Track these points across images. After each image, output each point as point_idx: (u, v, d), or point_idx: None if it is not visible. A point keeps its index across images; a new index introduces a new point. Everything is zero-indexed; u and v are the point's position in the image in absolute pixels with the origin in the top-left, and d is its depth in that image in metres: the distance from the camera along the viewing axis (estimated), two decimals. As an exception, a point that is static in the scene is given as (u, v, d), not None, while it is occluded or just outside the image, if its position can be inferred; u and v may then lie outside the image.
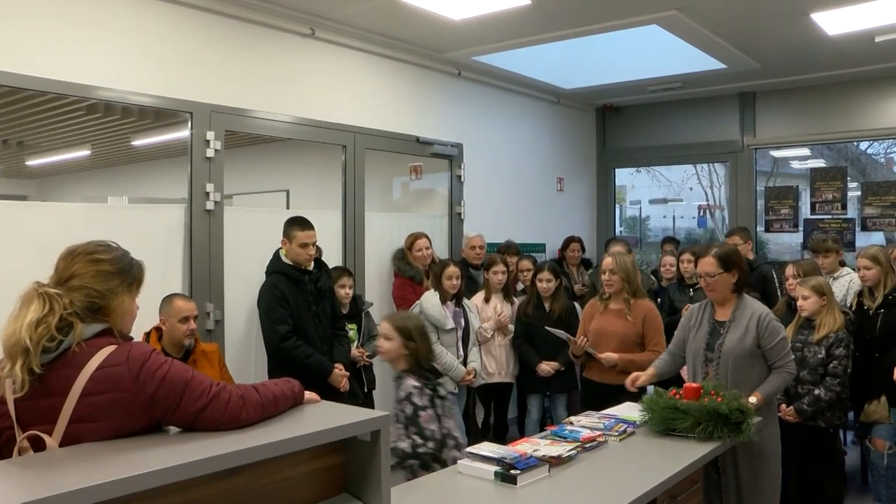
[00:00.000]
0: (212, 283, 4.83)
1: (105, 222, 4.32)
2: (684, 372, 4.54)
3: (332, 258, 5.49)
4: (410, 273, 5.87)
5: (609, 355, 4.68)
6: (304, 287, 4.54)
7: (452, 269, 5.37)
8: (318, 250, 4.66)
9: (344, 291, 5.09)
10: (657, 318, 4.74)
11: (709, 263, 3.93)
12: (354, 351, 5.10)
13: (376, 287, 6.05)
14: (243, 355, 5.05)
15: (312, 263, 4.62)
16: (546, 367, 5.64)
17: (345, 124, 5.77)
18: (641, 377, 4.01)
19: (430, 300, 5.33)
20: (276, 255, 4.63)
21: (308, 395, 2.23)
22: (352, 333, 5.14)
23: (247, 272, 4.97)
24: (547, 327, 5.33)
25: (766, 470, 3.83)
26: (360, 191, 5.89)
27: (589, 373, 4.90)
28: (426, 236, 6.04)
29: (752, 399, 3.69)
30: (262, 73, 5.24)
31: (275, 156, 8.18)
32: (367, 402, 5.14)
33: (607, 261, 4.79)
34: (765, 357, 3.85)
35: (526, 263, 6.26)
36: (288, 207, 8.09)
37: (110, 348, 1.88)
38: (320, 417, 2.10)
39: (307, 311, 4.53)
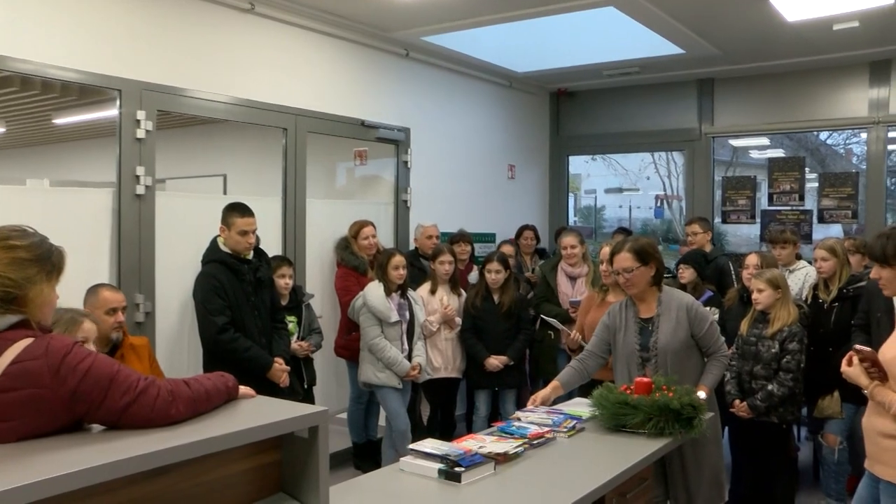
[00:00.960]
0: (142, 272, 4.77)
1: (23, 207, 4.22)
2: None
3: (272, 247, 5.47)
4: (354, 263, 5.87)
5: None
6: (243, 277, 4.52)
7: (399, 259, 5.39)
8: (257, 238, 4.63)
9: (284, 282, 5.07)
10: None
11: (625, 258, 3.90)
12: (294, 344, 5.09)
13: (318, 278, 6.04)
14: (176, 349, 5.01)
15: (252, 252, 4.60)
16: (495, 361, 5.69)
17: (286, 106, 5.73)
18: (539, 397, 3.86)
19: (373, 292, 5.35)
20: (214, 242, 4.59)
21: (243, 390, 2.23)
22: (291, 326, 5.13)
23: (180, 261, 4.92)
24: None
25: (706, 458, 3.93)
26: (301, 176, 5.86)
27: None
28: (372, 224, 6.05)
29: (701, 394, 3.77)
30: (198, 50, 5.17)
31: (211, 138, 8.09)
32: (308, 398, 5.15)
33: (604, 251, 4.85)
34: (698, 346, 3.94)
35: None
36: (225, 193, 8.01)
37: (27, 341, 1.84)
38: (255, 413, 2.10)
39: (246, 302, 4.50)
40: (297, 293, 5.28)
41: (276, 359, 4.59)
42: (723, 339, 4.02)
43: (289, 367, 4.67)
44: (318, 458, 2.13)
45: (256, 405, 2.19)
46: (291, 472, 2.16)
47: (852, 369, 3.15)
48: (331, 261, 6.13)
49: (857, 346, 3.19)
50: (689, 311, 3.91)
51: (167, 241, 4.92)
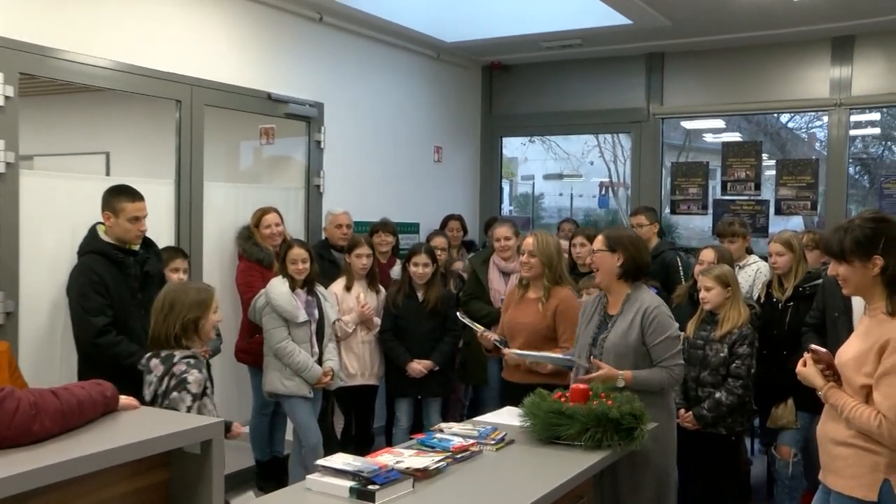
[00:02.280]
0: (1, 265, 4.65)
1: None
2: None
3: (163, 237, 5.39)
4: (258, 255, 5.84)
5: (510, 352, 4.84)
6: (129, 271, 4.44)
7: (298, 252, 5.38)
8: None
9: (177, 277, 5.01)
10: (572, 309, 4.82)
11: (598, 240, 4.22)
12: (188, 349, 5.04)
13: (217, 272, 6.00)
14: (45, 355, 4.90)
15: (139, 243, 4.53)
16: (418, 366, 5.72)
17: (180, 74, 5.65)
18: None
19: (277, 288, 5.33)
20: (93, 231, 4.50)
21: (124, 400, 2.21)
22: (185, 328, 5.07)
23: (51, 252, 4.82)
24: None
25: (648, 475, 4.02)
26: (197, 156, 5.79)
27: (505, 372, 5.07)
28: (276, 211, 6.03)
29: (620, 381, 3.91)
30: (74, 4, 5.06)
31: (91, 110, 7.90)
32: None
33: (527, 241, 4.94)
34: (651, 357, 4.06)
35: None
36: (108, 174, 7.84)
37: None
38: (138, 427, 2.08)
39: (131, 301, 4.43)
40: (192, 290, 5.22)
41: (166, 365, 4.52)
42: (681, 360, 4.11)
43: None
44: (212, 477, 2.13)
45: (139, 417, 2.18)
46: (181, 495, 2.15)
47: (807, 369, 3.26)
48: (232, 253, 6.08)
49: (813, 347, 3.31)
50: (646, 317, 4.02)
51: (34, 228, 4.80)
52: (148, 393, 3.62)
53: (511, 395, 4.71)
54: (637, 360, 4.04)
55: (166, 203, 5.67)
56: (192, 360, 3.59)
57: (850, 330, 4.55)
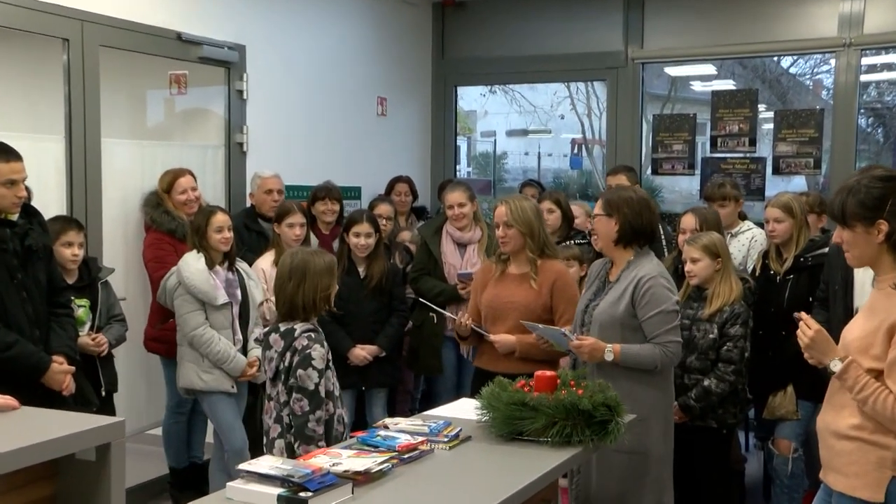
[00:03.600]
0: None
1: None
2: (564, 362, 4.76)
3: (51, 205, 5.33)
4: (170, 225, 5.79)
5: (503, 337, 4.82)
6: (5, 246, 4.36)
7: (222, 218, 5.35)
8: (28, 193, 4.48)
9: (70, 252, 4.94)
10: (571, 286, 4.91)
11: (598, 204, 4.42)
12: (86, 338, 4.99)
13: (120, 245, 5.95)
14: None
15: (19, 212, 4.44)
16: (361, 352, 5.73)
17: (67, 7, 5.53)
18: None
19: (191, 265, 5.28)
20: (-41, 199, 4.41)
21: (0, 400, 2.17)
22: (82, 312, 5.03)
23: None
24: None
25: (645, 480, 4.15)
26: (93, 108, 5.69)
27: (480, 360, 5.06)
28: (190, 173, 5.98)
29: (608, 353, 4.04)
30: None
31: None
32: (106, 409, 5.05)
33: (499, 210, 4.93)
34: (644, 332, 4.19)
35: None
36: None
37: None
38: (18, 431, 2.05)
39: (9, 281, 4.34)
40: (90, 267, 5.16)
41: (56, 357, 4.45)
42: (677, 338, 4.24)
43: (73, 368, 4.56)
44: (110, 488, 2.10)
45: (21, 420, 2.14)
46: (71, 506, 2.12)
47: (818, 334, 3.18)
48: (137, 223, 6.03)
49: (802, 314, 3.28)
50: (638, 287, 4.18)
51: None
52: (269, 370, 4.05)
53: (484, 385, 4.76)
54: (626, 333, 4.18)
55: (54, 164, 5.58)
56: (313, 335, 3.97)
57: (846, 307, 4.65)
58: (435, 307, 5.27)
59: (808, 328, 3.19)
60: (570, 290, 4.89)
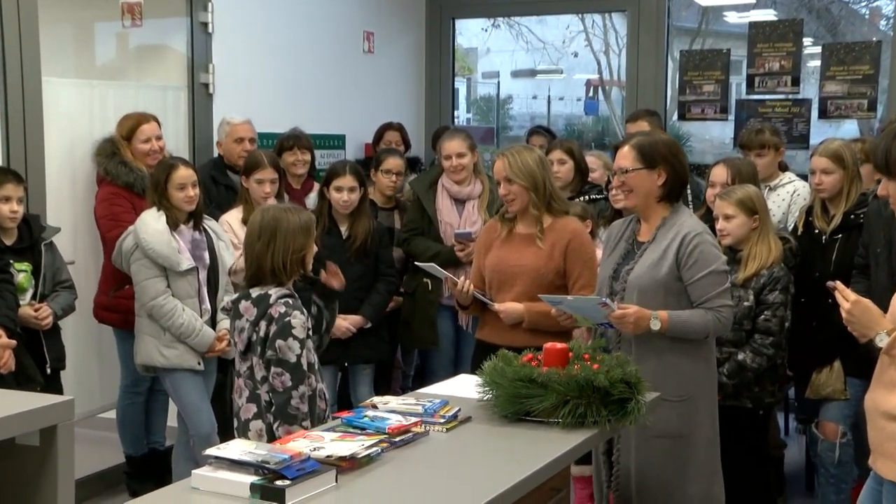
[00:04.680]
0: None
1: None
2: (577, 333, 4.77)
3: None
4: (128, 178, 5.75)
5: (510, 306, 4.81)
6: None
7: (185, 173, 5.32)
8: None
9: (7, 209, 4.93)
10: (586, 246, 4.88)
11: (624, 155, 4.28)
12: (27, 308, 5.00)
13: (67, 201, 5.94)
14: None
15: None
16: (343, 323, 5.73)
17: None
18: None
19: (149, 225, 5.26)
20: None
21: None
22: (22, 278, 5.03)
23: None
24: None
25: (689, 468, 4.19)
26: (30, 41, 5.62)
27: (482, 331, 5.06)
28: (155, 120, 5.94)
29: (654, 322, 4.02)
30: None
31: None
32: (52, 388, 5.05)
33: (497, 165, 4.90)
34: (689, 298, 4.18)
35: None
36: None
37: None
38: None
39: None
40: (32, 226, 5.14)
41: (-9, 330, 4.50)
42: (729, 301, 4.25)
43: (13, 342, 4.57)
44: (57, 478, 2.09)
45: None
46: (11, 500, 2.12)
47: (854, 306, 3.20)
48: (88, 175, 6.00)
49: (836, 284, 3.31)
50: (684, 245, 4.16)
51: None
52: (240, 341, 4.09)
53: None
54: (669, 299, 4.17)
55: (-15, 107, 5.57)
56: (290, 300, 4.03)
57: (891, 272, 4.64)
58: (435, 268, 5.21)
59: (844, 300, 3.20)
60: (586, 251, 4.87)
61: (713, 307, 4.16)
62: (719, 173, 5.45)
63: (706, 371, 4.34)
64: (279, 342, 3.92)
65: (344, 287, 4.58)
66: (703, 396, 4.30)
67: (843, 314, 3.22)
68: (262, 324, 3.97)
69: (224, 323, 5.41)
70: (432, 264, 5.27)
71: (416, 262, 5.55)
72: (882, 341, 3.12)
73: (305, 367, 3.97)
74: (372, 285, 5.88)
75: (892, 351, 3.12)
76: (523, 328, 4.78)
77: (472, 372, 4.35)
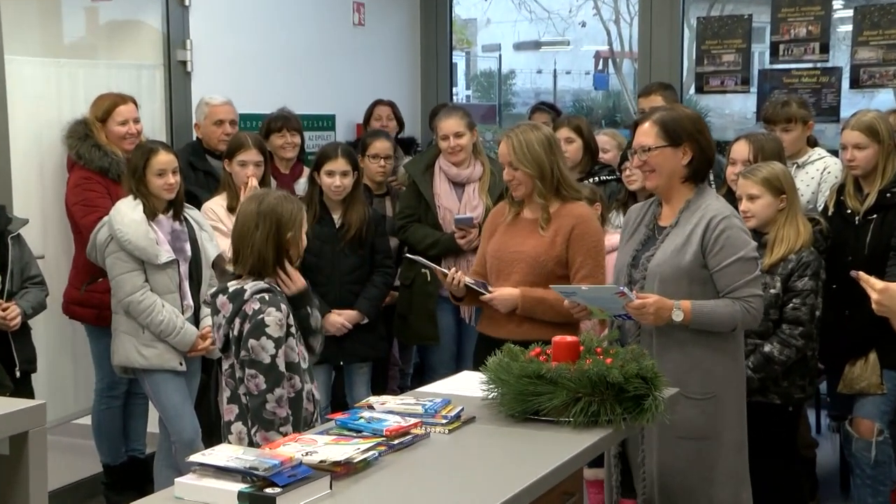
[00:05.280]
0: None
1: None
2: (587, 325, 4.76)
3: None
4: (102, 162, 5.76)
5: (502, 292, 4.79)
6: None
7: (165, 158, 5.31)
8: None
9: (-31, 196, 4.94)
10: (592, 234, 4.86)
11: (646, 132, 4.26)
12: (-7, 306, 5.01)
13: (35, 190, 5.95)
14: None
15: None
16: (338, 318, 5.75)
17: None
18: None
19: (125, 215, 5.26)
20: None
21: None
22: (-13, 275, 5.04)
23: None
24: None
25: (716, 472, 4.19)
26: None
27: (483, 324, 5.06)
28: (133, 101, 5.95)
29: (677, 312, 3.99)
30: None
31: None
32: (22, 392, 5.05)
33: (502, 148, 4.88)
34: (715, 287, 4.17)
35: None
36: None
37: None
38: None
39: None
40: (-4, 217, 5.15)
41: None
42: (758, 291, 4.21)
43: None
44: (28, 488, 2.09)
45: None
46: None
47: (881, 294, 3.27)
48: (57, 162, 6.01)
49: (859, 274, 3.34)
50: (710, 230, 4.14)
51: None
52: (218, 338, 4.11)
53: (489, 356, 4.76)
54: (693, 288, 4.15)
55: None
56: (266, 296, 4.00)
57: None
58: (422, 260, 5.20)
59: (872, 290, 3.27)
60: (590, 238, 4.84)
61: (741, 297, 4.13)
62: (740, 150, 5.42)
63: (734, 367, 4.33)
64: (251, 342, 3.92)
65: (304, 289, 4.52)
66: (731, 394, 4.29)
67: (874, 305, 3.27)
68: (237, 321, 3.98)
69: (208, 320, 5.40)
70: (418, 257, 5.30)
71: (406, 255, 5.51)
72: None
73: (283, 367, 3.96)
74: (367, 277, 5.88)
75: None
76: (519, 316, 4.77)
77: (475, 368, 4.35)
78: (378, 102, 7.64)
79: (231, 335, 4.00)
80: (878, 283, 3.23)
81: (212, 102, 6.50)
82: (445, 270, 4.94)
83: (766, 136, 5.64)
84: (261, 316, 3.92)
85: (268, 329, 3.92)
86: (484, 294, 4.83)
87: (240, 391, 4.02)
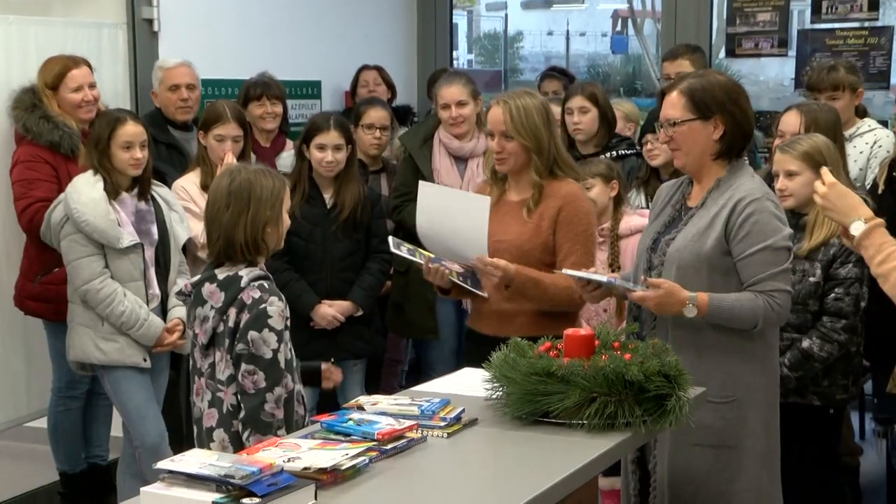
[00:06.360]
0: None
1: None
2: (587, 315, 4.76)
3: None
4: (52, 136, 5.76)
5: (498, 262, 4.66)
6: None
7: (132, 129, 5.32)
8: None
9: None
10: (581, 216, 4.83)
11: (672, 103, 4.24)
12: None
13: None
14: None
15: None
16: (328, 310, 5.78)
17: None
18: None
19: (82, 193, 5.28)
20: None
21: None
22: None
23: None
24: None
25: (736, 484, 4.18)
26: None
27: (472, 319, 5.08)
28: (87, 64, 5.96)
29: (690, 308, 3.98)
30: None
31: None
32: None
33: (494, 114, 4.84)
34: (738, 275, 4.15)
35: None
36: None
37: None
38: None
39: None
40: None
41: None
42: (784, 285, 4.14)
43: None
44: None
45: None
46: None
47: (831, 188, 3.39)
48: (4, 134, 6.02)
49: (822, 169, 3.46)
50: (736, 212, 4.10)
51: None
52: (202, 333, 4.03)
53: (478, 353, 4.61)
54: (715, 279, 4.12)
55: None
56: (266, 284, 4.01)
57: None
58: (402, 251, 5.10)
59: (821, 184, 3.43)
60: (581, 221, 4.82)
61: (765, 290, 4.08)
62: (791, 122, 5.42)
63: (760, 368, 4.27)
64: (252, 334, 3.89)
65: None
66: (756, 399, 4.24)
67: (818, 200, 3.45)
68: (232, 311, 3.93)
69: (178, 311, 5.41)
70: (399, 242, 5.06)
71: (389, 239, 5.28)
72: (857, 229, 3.29)
73: (283, 364, 3.95)
74: (362, 265, 5.90)
75: (864, 242, 3.29)
76: (511, 311, 4.76)
77: (468, 365, 4.35)
78: (364, 68, 7.64)
79: (223, 327, 3.97)
80: (829, 177, 3.40)
81: (165, 65, 6.52)
82: (438, 259, 4.83)
83: (821, 106, 5.61)
84: (263, 305, 3.90)
85: (271, 320, 3.90)
86: (475, 293, 4.82)
87: (223, 392, 4.01)
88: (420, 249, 4.98)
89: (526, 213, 4.80)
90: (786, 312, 4.22)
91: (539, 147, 4.76)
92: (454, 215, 4.73)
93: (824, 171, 3.47)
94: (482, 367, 3.88)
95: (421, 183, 5.12)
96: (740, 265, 4.12)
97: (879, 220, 3.26)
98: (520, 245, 4.77)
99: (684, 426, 3.73)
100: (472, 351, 4.88)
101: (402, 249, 4.98)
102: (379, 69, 7.74)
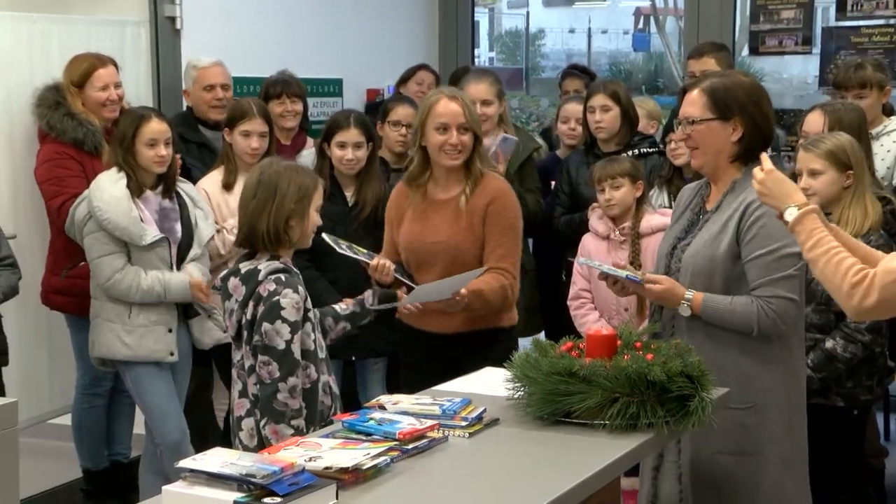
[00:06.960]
0: None
1: None
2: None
3: None
4: (76, 133, 5.77)
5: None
6: None
7: (157, 126, 5.32)
8: None
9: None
10: (509, 209, 4.86)
11: (692, 101, 4.20)
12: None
13: (4, 163, 6.02)
14: None
15: None
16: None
17: None
18: None
19: (105, 190, 5.28)
20: None
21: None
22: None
23: None
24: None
25: (760, 491, 4.16)
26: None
27: (414, 316, 4.96)
28: (113, 63, 5.96)
29: (684, 307, 4.00)
30: None
31: None
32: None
33: (452, 108, 4.85)
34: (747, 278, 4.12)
35: None
36: None
37: None
38: None
39: None
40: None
41: None
42: (785, 294, 4.06)
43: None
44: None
45: None
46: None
47: (768, 175, 3.42)
48: (27, 130, 6.04)
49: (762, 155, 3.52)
50: (747, 215, 4.06)
51: None
52: (230, 325, 4.19)
53: (422, 353, 4.82)
54: (729, 284, 4.10)
55: None
56: (283, 276, 4.07)
57: None
58: (345, 248, 5.01)
59: (759, 171, 3.50)
60: (508, 215, 4.86)
61: (762, 296, 4.03)
62: (814, 122, 5.38)
63: (782, 371, 4.20)
64: (265, 326, 3.97)
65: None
66: (777, 404, 4.18)
67: (756, 187, 3.53)
68: (251, 304, 4.02)
69: (190, 267, 5.44)
70: (341, 241, 5.04)
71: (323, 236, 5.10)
72: (791, 215, 3.36)
73: (298, 355, 4.00)
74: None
75: (797, 228, 3.35)
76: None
77: (403, 365, 4.37)
78: (424, 67, 7.65)
79: (244, 320, 4.05)
80: (767, 163, 3.46)
81: (199, 65, 6.51)
82: (373, 255, 4.90)
83: (846, 105, 5.57)
84: (276, 298, 3.98)
85: (283, 312, 3.97)
86: (412, 286, 4.77)
87: (250, 382, 4.06)
88: (356, 246, 5.05)
89: (464, 202, 4.84)
90: (780, 320, 4.10)
91: (478, 138, 4.88)
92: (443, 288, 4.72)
93: (764, 157, 3.56)
94: (418, 365, 3.89)
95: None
96: (746, 269, 4.09)
97: (812, 207, 3.33)
98: (456, 244, 4.84)
99: (704, 434, 3.75)
100: (405, 347, 5.07)
101: (342, 246, 5.00)
102: (436, 75, 7.73)
